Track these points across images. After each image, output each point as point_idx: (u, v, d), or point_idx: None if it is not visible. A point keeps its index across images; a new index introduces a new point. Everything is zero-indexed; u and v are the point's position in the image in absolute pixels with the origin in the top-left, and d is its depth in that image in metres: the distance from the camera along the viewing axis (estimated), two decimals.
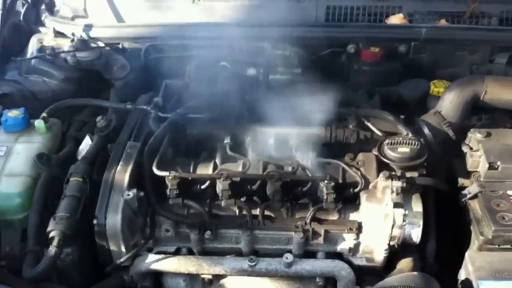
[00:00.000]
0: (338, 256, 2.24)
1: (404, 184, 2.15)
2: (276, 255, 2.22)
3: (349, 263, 2.21)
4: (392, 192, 2.14)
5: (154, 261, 2.22)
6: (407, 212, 2.10)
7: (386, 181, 2.16)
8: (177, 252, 2.29)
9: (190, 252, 2.29)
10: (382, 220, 2.14)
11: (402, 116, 2.45)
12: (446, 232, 2.28)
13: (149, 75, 2.91)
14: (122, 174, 2.24)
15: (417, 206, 2.19)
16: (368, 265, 2.23)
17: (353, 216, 2.24)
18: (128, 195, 2.15)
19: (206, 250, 2.28)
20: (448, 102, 2.49)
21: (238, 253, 2.27)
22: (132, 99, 2.66)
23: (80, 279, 2.25)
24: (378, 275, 2.22)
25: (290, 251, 2.21)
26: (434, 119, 2.48)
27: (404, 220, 2.10)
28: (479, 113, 2.60)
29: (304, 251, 2.22)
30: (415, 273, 2.07)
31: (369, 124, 2.44)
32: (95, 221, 2.14)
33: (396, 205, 2.11)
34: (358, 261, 2.23)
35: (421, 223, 2.17)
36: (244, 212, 2.22)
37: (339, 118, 2.47)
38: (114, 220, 2.14)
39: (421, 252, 2.24)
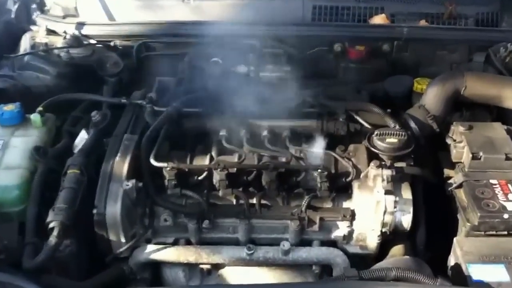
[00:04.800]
0: (333, 244, 2.31)
1: (394, 173, 2.24)
2: (272, 245, 2.28)
3: (344, 252, 2.29)
4: (383, 180, 2.22)
5: (153, 252, 2.27)
6: (397, 199, 2.19)
7: (376, 170, 2.25)
8: (175, 243, 2.34)
9: (188, 243, 2.33)
10: (374, 207, 2.22)
11: (388, 110, 2.55)
12: (434, 221, 2.38)
13: (141, 72, 2.96)
14: (121, 165, 2.28)
15: (406, 193, 2.27)
16: (361, 253, 2.31)
17: (346, 205, 2.32)
18: (127, 185, 2.19)
19: (204, 241, 2.33)
20: (431, 96, 2.55)
21: (236, 243, 2.33)
22: (125, 96, 2.72)
23: (79, 270, 2.27)
24: (371, 264, 2.27)
25: (286, 240, 2.28)
26: (419, 113, 2.52)
27: (395, 207, 2.19)
28: (460, 110, 2.69)
29: (300, 240, 2.30)
30: (407, 257, 2.15)
31: (357, 117, 2.53)
32: (94, 211, 2.18)
33: (387, 192, 2.19)
34: (352, 249, 2.31)
35: (411, 210, 2.25)
36: (242, 201, 2.28)
37: (329, 112, 2.56)
38: (114, 209, 2.18)
39: (412, 240, 2.32)
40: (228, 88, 2.56)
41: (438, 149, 2.52)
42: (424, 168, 2.41)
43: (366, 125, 2.50)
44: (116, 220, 2.18)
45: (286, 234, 2.30)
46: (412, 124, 2.51)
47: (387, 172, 2.23)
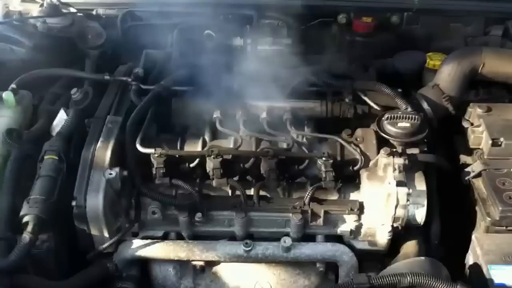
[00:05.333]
0: (339, 239, 2.12)
1: (407, 161, 2.04)
2: (272, 239, 2.09)
3: (351, 247, 2.09)
4: (394, 169, 2.02)
5: (140, 247, 2.06)
6: (410, 191, 1.98)
7: (387, 158, 2.04)
8: (165, 237, 2.13)
9: (180, 237, 2.13)
10: (384, 200, 2.01)
11: (399, 90, 2.34)
12: (449, 213, 2.18)
13: (127, 44, 2.70)
14: (103, 151, 2.06)
15: (420, 184, 2.07)
16: (370, 249, 2.11)
17: (353, 196, 2.11)
18: (110, 174, 1.97)
19: (196, 234, 2.12)
20: (446, 75, 2.37)
21: (232, 237, 2.13)
22: (109, 70, 2.47)
23: (58, 268, 2.06)
24: (380, 260, 2.11)
25: (287, 234, 2.08)
26: (432, 93, 2.35)
27: (408, 199, 1.98)
28: (476, 88, 2.49)
29: (302, 234, 2.09)
30: (423, 258, 1.95)
31: (366, 98, 2.31)
32: (73, 203, 1.96)
33: (399, 183, 1.99)
34: (360, 244, 2.11)
35: (425, 202, 2.05)
36: (238, 192, 2.06)
37: (334, 92, 2.34)
38: (95, 201, 1.96)
39: (425, 234, 2.13)
40: (223, 64, 2.34)
41: (453, 132, 2.35)
42: (439, 155, 2.21)
43: (375, 107, 2.29)
44: (98, 213, 1.97)
45: (288, 228, 2.09)
46: (425, 106, 2.33)
47: (398, 161, 2.03)
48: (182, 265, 2.13)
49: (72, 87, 2.36)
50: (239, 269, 2.13)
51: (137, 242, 2.07)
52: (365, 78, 2.46)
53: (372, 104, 2.29)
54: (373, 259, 2.12)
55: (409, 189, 1.98)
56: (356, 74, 2.47)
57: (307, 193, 2.04)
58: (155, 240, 2.08)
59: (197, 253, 2.05)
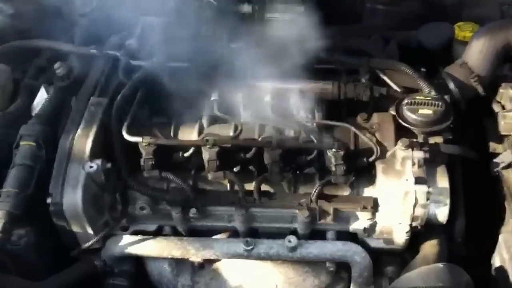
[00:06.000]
0: (351, 236, 1.91)
1: (427, 155, 1.82)
2: (279, 234, 1.89)
3: (365, 245, 1.89)
4: (413, 164, 1.81)
5: (129, 244, 1.87)
6: (431, 189, 1.76)
7: (405, 151, 1.81)
8: (158, 232, 1.94)
9: (175, 231, 1.94)
10: (402, 198, 1.79)
11: (423, 69, 2.10)
12: (475, 207, 1.98)
13: (122, 10, 2.41)
14: (83, 139, 1.85)
15: (443, 181, 1.85)
16: (386, 248, 1.91)
17: (367, 192, 1.88)
18: (91, 167, 1.77)
19: (194, 229, 1.93)
20: (477, 51, 2.12)
21: (234, 232, 1.93)
22: (100, 41, 2.22)
23: (43, 264, 1.90)
24: (400, 253, 1.92)
25: (295, 230, 1.89)
26: (460, 72, 2.12)
27: (428, 198, 1.76)
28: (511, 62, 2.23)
29: (311, 230, 1.90)
30: (441, 265, 1.74)
31: (385, 78, 2.08)
32: (49, 200, 1.77)
33: (418, 180, 1.77)
34: (375, 242, 1.91)
35: (448, 201, 1.83)
36: (236, 188, 1.83)
37: (349, 71, 2.10)
38: (72, 198, 1.77)
39: (448, 232, 1.93)
40: (225, 36, 2.12)
41: (483, 115, 2.15)
42: (464, 142, 2.00)
43: (395, 87, 2.05)
44: (77, 211, 1.78)
45: (295, 223, 1.89)
46: (452, 86, 2.11)
47: (418, 154, 1.81)
48: (178, 261, 1.94)
49: (58, 61, 2.12)
50: (242, 266, 1.94)
51: (126, 238, 1.89)
52: (385, 54, 2.25)
53: (392, 84, 2.06)
54: (391, 253, 1.93)
55: (429, 187, 1.76)
56: (375, 49, 2.25)
57: (314, 189, 1.81)
58: (146, 237, 1.89)
59: (192, 252, 1.86)
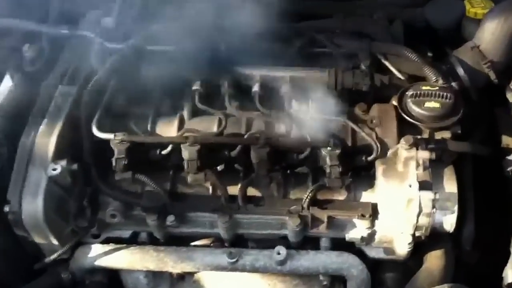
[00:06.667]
0: (348, 245, 1.72)
1: (434, 155, 1.63)
2: (267, 241, 1.72)
3: (362, 255, 1.71)
4: (418, 165, 1.62)
5: (100, 255, 1.69)
6: (437, 196, 1.57)
7: (409, 151, 1.63)
8: (133, 238, 1.75)
9: (151, 238, 1.75)
10: (404, 205, 1.60)
11: (430, 54, 1.92)
12: (486, 208, 1.81)
13: None
14: (46, 137, 1.66)
15: (450, 184, 1.66)
16: (387, 258, 1.73)
17: (366, 195, 1.69)
18: (54, 169, 1.58)
19: (173, 235, 1.75)
20: (489, 33, 1.92)
21: (217, 239, 1.76)
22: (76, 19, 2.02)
23: (9, 275, 1.72)
24: (400, 264, 1.74)
25: (286, 236, 1.71)
26: (471, 57, 1.92)
27: (434, 206, 1.58)
28: None
29: (303, 238, 1.72)
30: (447, 287, 1.56)
31: (387, 64, 1.88)
32: (6, 208, 1.59)
33: (423, 185, 1.59)
34: (374, 252, 1.73)
35: (456, 208, 1.65)
36: (219, 193, 1.65)
37: (346, 55, 1.89)
38: (32, 206, 1.60)
39: (456, 239, 1.75)
40: (207, 13, 1.92)
41: (495, 105, 1.97)
42: (475, 139, 1.82)
43: (398, 75, 1.86)
44: (38, 221, 1.60)
45: (285, 230, 1.71)
46: (461, 72, 1.92)
47: (424, 155, 1.63)
48: (156, 272, 1.74)
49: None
50: (226, 278, 1.76)
51: (96, 248, 1.70)
52: (388, 35, 2.04)
53: (395, 71, 1.87)
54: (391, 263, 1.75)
55: (435, 193, 1.57)
56: (378, 30, 2.03)
57: (306, 195, 1.62)
58: (118, 246, 1.70)
59: (170, 264, 1.68)
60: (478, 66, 1.91)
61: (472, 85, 1.90)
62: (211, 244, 1.76)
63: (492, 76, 1.90)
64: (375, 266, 1.74)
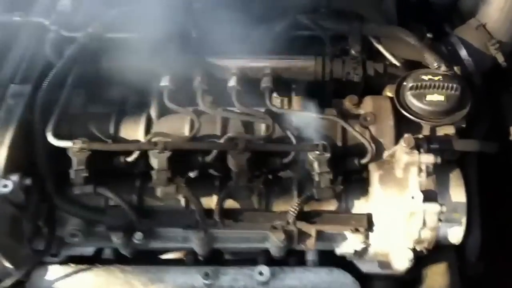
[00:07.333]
0: (338, 258, 1.55)
1: (439, 159, 1.43)
2: (247, 254, 1.56)
3: (354, 270, 1.53)
4: (420, 171, 1.42)
5: (59, 278, 1.50)
6: (444, 208, 1.38)
7: (410, 155, 1.42)
8: (97, 256, 1.56)
9: (117, 254, 1.56)
10: (405, 218, 1.42)
11: (429, 35, 1.67)
12: (492, 207, 1.62)
13: None
14: None
15: (458, 193, 1.49)
16: (382, 274, 1.55)
17: (359, 205, 1.51)
18: (5, 186, 1.38)
19: (142, 250, 1.56)
20: (497, 9, 1.73)
21: (191, 252, 1.57)
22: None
23: None
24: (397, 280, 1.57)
25: (268, 250, 1.53)
26: (476, 36, 1.75)
27: (439, 219, 1.40)
28: None
29: (287, 251, 1.53)
30: None
31: (381, 48, 1.66)
32: None
33: (428, 196, 1.40)
34: (367, 266, 1.56)
35: (463, 219, 1.48)
36: (193, 207, 1.45)
37: (335, 38, 1.67)
38: None
39: (460, 250, 1.57)
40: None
41: (502, 90, 1.80)
42: (480, 134, 1.64)
43: (394, 61, 1.64)
44: None
45: (267, 243, 1.52)
46: (464, 54, 1.73)
47: (427, 159, 1.42)
48: None
49: None
50: None
51: (55, 270, 1.51)
52: (381, 14, 1.80)
53: (390, 57, 1.65)
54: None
55: (441, 205, 1.38)
56: (369, 8, 1.79)
57: (292, 207, 1.42)
58: (80, 267, 1.52)
59: (138, 287, 1.49)
60: (484, 48, 1.74)
61: (477, 69, 1.72)
62: (184, 258, 1.58)
63: (500, 58, 1.73)
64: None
